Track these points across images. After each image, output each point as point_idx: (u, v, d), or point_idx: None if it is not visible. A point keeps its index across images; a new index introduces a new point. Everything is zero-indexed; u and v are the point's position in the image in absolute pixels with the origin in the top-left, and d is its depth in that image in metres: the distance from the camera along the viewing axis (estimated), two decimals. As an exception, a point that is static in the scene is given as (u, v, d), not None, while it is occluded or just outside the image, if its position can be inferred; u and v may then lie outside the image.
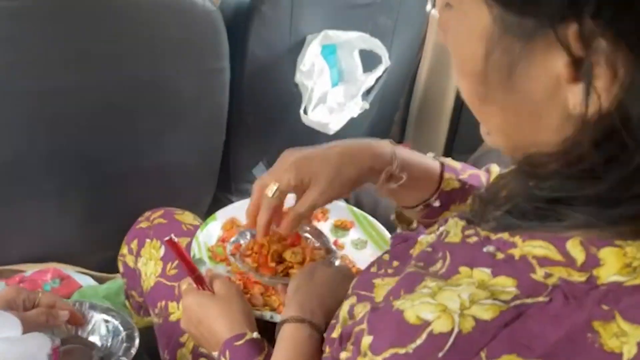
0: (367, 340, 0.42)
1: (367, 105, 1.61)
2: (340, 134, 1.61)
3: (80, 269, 1.37)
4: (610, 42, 0.36)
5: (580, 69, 0.38)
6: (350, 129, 1.65)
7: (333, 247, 0.93)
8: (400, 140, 1.94)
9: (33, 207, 1.27)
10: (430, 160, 0.76)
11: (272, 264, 0.86)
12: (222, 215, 1.02)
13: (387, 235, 0.99)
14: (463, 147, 1.83)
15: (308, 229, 0.94)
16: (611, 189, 0.39)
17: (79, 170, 1.27)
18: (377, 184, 0.73)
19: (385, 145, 0.73)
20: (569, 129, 0.40)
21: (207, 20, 1.20)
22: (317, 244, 0.93)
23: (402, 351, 0.39)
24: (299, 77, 1.44)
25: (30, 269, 1.29)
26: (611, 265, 0.38)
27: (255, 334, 0.71)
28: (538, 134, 0.42)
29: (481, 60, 0.42)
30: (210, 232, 0.98)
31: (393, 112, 1.86)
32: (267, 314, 0.84)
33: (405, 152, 0.73)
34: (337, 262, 0.89)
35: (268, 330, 0.75)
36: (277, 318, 0.83)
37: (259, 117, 1.50)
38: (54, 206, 1.28)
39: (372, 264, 0.61)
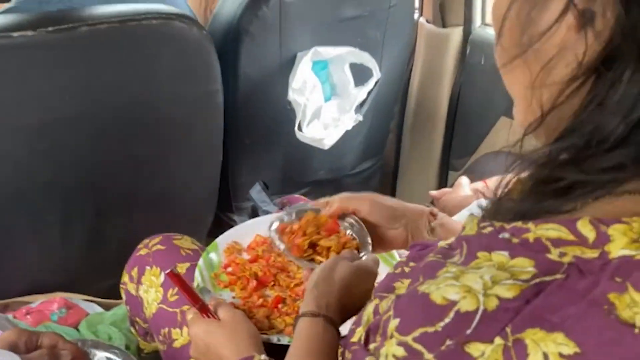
0: (394, 323, 0.44)
1: (360, 118, 1.62)
2: (337, 147, 1.63)
3: (87, 297, 1.39)
4: None
5: (584, 18, 0.42)
6: (346, 142, 1.66)
7: (369, 242, 0.91)
8: (397, 148, 1.95)
9: (36, 238, 1.29)
10: None
11: (305, 247, 0.88)
12: (223, 240, 1.03)
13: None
14: (459, 152, 1.84)
15: (352, 222, 0.94)
16: (612, 124, 0.42)
17: (80, 200, 1.29)
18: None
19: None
20: (575, 76, 0.44)
21: (197, 46, 1.23)
22: (354, 235, 0.93)
23: (431, 329, 0.41)
24: (291, 95, 1.46)
25: (36, 300, 1.31)
26: (620, 240, 0.41)
27: (264, 357, 0.73)
28: (553, 91, 0.45)
29: (507, 12, 0.47)
30: (212, 259, 0.99)
31: (388, 121, 1.87)
32: (274, 337, 0.85)
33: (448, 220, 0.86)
34: (365, 257, 0.88)
35: (275, 353, 0.76)
36: (284, 340, 0.84)
37: (255, 136, 1.52)
38: (57, 236, 1.30)
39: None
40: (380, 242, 0.88)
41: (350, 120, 1.60)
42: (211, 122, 1.33)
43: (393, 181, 2.00)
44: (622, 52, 0.41)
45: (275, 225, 0.92)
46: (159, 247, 1.03)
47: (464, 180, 1.35)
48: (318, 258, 0.87)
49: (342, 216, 0.93)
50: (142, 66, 1.19)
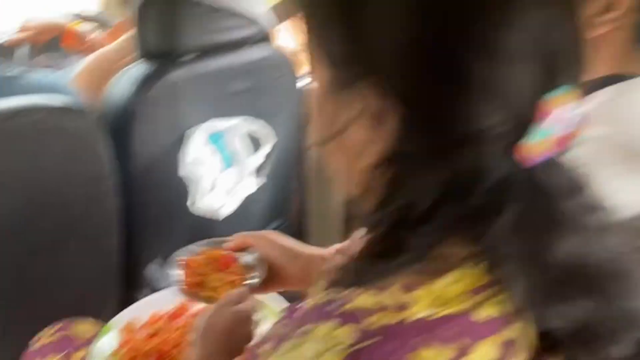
0: None
1: (260, 183, 1.69)
2: (240, 213, 1.68)
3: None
4: (387, 95, 0.49)
5: (377, 119, 0.50)
6: (249, 206, 1.71)
7: (264, 268, 0.95)
8: (302, 208, 2.02)
9: None
10: None
11: (195, 285, 0.93)
12: (119, 320, 1.05)
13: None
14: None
15: (251, 252, 0.99)
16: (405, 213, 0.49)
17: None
18: None
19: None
20: (376, 165, 0.51)
21: (83, 134, 1.26)
22: (249, 266, 0.98)
23: None
24: (184, 170, 1.50)
25: None
26: (423, 302, 0.48)
27: None
28: (363, 174, 0.53)
29: (315, 103, 0.54)
30: (106, 341, 1.01)
31: (289, 183, 1.95)
32: None
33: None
34: (254, 281, 0.93)
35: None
36: None
37: (155, 213, 1.54)
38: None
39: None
40: (276, 280, 0.94)
41: (249, 186, 1.66)
42: (105, 204, 1.35)
43: (302, 240, 2.06)
44: (409, 148, 0.50)
45: (184, 257, 0.97)
46: (53, 337, 1.03)
47: (361, 232, 1.42)
48: (214, 296, 0.92)
49: (242, 250, 1.00)
50: (29, 160, 1.21)
